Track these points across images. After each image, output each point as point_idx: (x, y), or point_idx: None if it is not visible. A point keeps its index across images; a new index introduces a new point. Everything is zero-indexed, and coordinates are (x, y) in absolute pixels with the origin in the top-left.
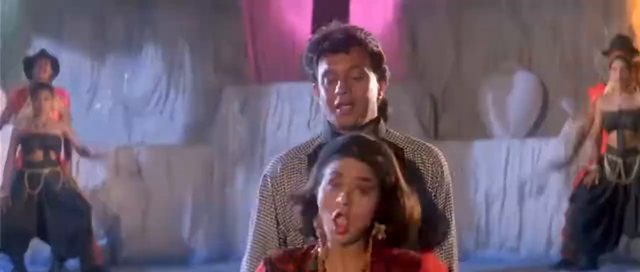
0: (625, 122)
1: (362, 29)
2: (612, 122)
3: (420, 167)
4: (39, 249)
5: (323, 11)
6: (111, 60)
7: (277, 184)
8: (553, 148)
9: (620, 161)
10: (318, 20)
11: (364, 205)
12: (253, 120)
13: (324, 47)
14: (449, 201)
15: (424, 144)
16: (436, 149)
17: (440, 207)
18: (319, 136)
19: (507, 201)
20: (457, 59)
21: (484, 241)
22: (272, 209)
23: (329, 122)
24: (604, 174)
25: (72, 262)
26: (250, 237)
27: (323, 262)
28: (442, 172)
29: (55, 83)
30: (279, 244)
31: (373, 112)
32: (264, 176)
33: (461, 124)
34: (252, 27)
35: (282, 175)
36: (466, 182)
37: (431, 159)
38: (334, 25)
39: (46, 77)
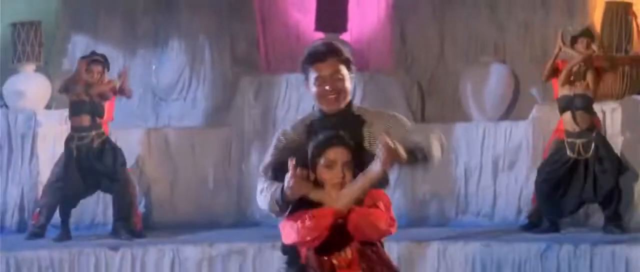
0: (576, 104)
1: (339, 43)
2: (565, 104)
3: (376, 123)
4: (82, 215)
5: (325, 9)
6: (141, 54)
7: (288, 137)
8: (523, 129)
9: (578, 141)
10: (320, 17)
11: (350, 174)
12: (265, 105)
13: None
14: (409, 131)
15: (379, 110)
16: (389, 111)
17: (400, 135)
18: (312, 113)
19: (483, 174)
20: (441, 52)
21: (463, 209)
22: (283, 150)
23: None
24: (565, 153)
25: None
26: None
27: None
28: (395, 119)
29: None
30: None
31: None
32: (278, 135)
33: (444, 108)
34: (262, 24)
35: (292, 131)
36: (448, 158)
37: (384, 116)
38: (319, 42)
39: (97, 75)
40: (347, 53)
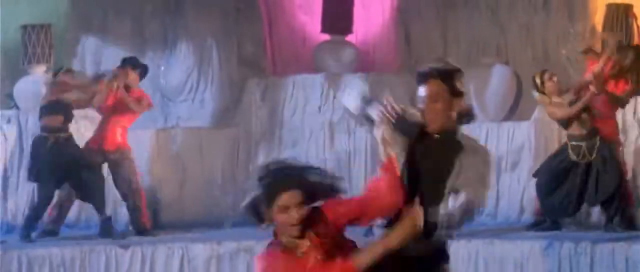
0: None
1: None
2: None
3: (471, 158)
4: (93, 214)
5: (330, 11)
6: (149, 56)
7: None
8: (525, 130)
9: (582, 144)
10: (326, 19)
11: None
12: (272, 106)
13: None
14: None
15: (477, 145)
16: (484, 149)
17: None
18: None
19: None
20: (444, 53)
21: None
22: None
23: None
24: (568, 156)
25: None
26: None
27: None
28: (484, 159)
29: None
30: None
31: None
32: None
33: None
34: (269, 25)
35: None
36: None
37: (478, 153)
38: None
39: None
40: (455, 77)
